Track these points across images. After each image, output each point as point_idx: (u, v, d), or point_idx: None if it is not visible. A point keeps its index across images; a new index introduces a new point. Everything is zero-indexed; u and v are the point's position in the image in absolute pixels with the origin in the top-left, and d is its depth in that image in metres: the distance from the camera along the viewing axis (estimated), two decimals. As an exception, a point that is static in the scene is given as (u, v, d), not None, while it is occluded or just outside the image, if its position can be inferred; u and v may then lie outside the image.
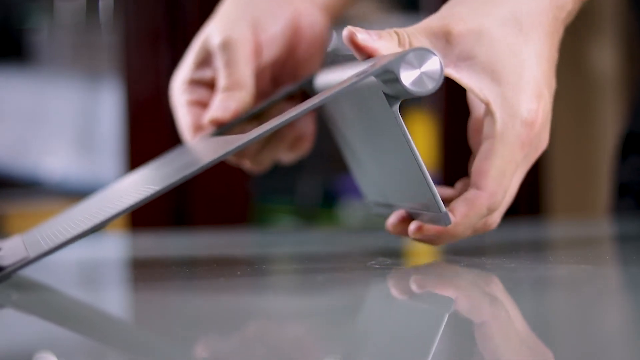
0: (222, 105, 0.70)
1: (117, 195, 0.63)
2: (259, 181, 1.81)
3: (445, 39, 0.59)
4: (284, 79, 0.76)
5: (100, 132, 1.98)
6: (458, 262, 0.66)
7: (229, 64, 0.71)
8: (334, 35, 0.83)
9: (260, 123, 0.60)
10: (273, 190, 1.96)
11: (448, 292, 0.57)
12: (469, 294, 0.57)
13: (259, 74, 0.73)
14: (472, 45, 0.59)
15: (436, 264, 0.70)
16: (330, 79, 0.67)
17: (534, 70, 0.59)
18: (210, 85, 0.74)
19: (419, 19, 0.62)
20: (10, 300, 0.55)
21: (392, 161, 0.60)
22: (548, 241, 0.92)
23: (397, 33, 0.59)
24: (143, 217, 1.55)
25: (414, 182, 0.58)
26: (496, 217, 0.62)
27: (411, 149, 0.56)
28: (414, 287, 0.59)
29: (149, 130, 1.59)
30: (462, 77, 0.59)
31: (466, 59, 0.59)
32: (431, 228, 0.60)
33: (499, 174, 0.59)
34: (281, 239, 1.03)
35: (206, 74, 0.73)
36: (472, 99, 0.64)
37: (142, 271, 0.71)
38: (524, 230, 0.98)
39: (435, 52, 0.56)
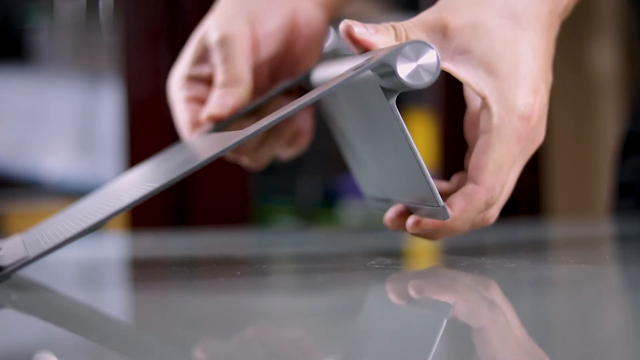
0: (220, 102, 0.70)
1: (116, 194, 0.63)
2: (259, 181, 1.81)
3: (442, 33, 0.59)
4: (282, 74, 0.76)
5: (100, 132, 1.98)
6: (458, 262, 0.66)
7: (227, 59, 0.71)
8: (334, 34, 0.83)
9: (258, 119, 0.60)
10: (273, 190, 1.96)
11: (448, 293, 0.57)
12: (468, 294, 0.57)
13: (256, 70, 0.73)
14: (468, 39, 0.59)
15: (436, 264, 0.70)
16: (327, 73, 0.67)
17: (531, 64, 0.59)
18: (208, 81, 0.74)
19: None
20: (10, 300, 0.55)
21: (390, 155, 0.60)
22: (548, 241, 0.92)
23: (394, 27, 0.59)
24: (143, 216, 1.55)
25: (412, 176, 0.58)
26: (494, 212, 0.62)
27: (409, 143, 0.56)
28: (413, 287, 0.59)
29: (149, 130, 1.59)
30: (459, 70, 0.59)
31: (463, 53, 0.59)
32: (429, 222, 0.60)
33: (497, 168, 0.59)
34: (281, 239, 1.03)
35: (204, 70, 0.73)
36: (468, 92, 0.64)
37: (142, 271, 0.71)
38: (524, 230, 0.98)
39: (431, 45, 0.56)
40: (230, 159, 0.75)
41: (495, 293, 0.57)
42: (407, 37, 0.59)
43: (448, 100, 1.69)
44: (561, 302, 0.53)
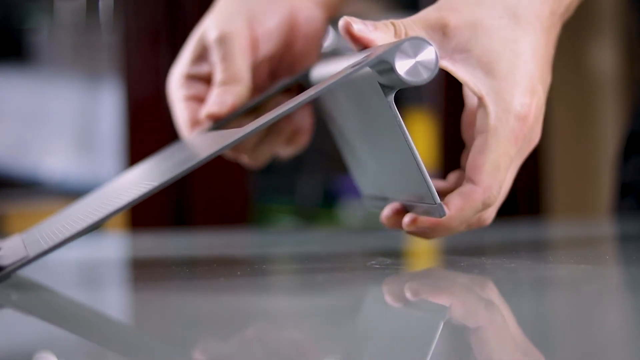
0: (219, 100, 0.70)
1: (116, 192, 0.63)
2: (259, 181, 1.81)
3: (442, 31, 0.59)
4: (281, 73, 0.76)
5: (100, 132, 1.98)
6: (458, 262, 0.66)
7: (226, 58, 0.71)
8: (333, 33, 0.83)
9: (257, 117, 0.60)
10: (273, 190, 1.96)
11: (447, 293, 0.57)
12: (468, 294, 0.57)
13: (256, 69, 0.73)
14: (468, 38, 0.59)
15: (436, 264, 0.70)
16: (326, 71, 0.67)
17: (529, 65, 0.59)
18: (207, 80, 0.74)
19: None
20: (10, 300, 0.55)
21: (387, 153, 0.60)
22: (548, 241, 0.92)
23: (393, 24, 0.59)
24: (143, 216, 1.55)
25: (409, 173, 0.58)
26: (491, 213, 0.62)
27: (406, 140, 0.56)
28: (413, 287, 0.59)
29: (149, 130, 1.59)
30: (457, 69, 0.59)
31: (462, 52, 0.59)
32: (425, 220, 0.60)
33: (494, 168, 0.59)
34: (281, 239, 1.03)
35: (203, 68, 0.73)
36: (467, 91, 0.64)
37: (142, 271, 0.71)
38: (524, 230, 0.98)
39: (430, 42, 0.56)
40: (229, 157, 0.75)
41: (495, 293, 0.57)
42: (406, 34, 0.59)
43: (448, 100, 1.69)
44: (561, 302, 0.53)
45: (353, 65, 0.56)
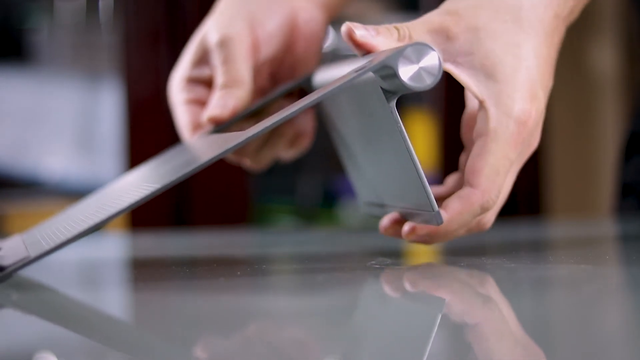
0: (220, 103, 0.70)
1: (117, 194, 0.63)
2: (259, 181, 1.81)
3: (446, 35, 0.59)
4: (282, 75, 0.76)
5: (100, 132, 1.98)
6: (458, 262, 0.66)
7: (227, 61, 0.71)
8: (334, 34, 0.83)
9: (259, 121, 0.60)
10: (273, 190, 1.96)
11: (448, 293, 0.57)
12: (468, 294, 0.57)
13: (257, 71, 0.73)
14: (471, 41, 0.59)
15: (436, 264, 0.70)
16: (329, 76, 0.67)
17: (532, 70, 0.59)
18: (208, 83, 0.74)
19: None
20: (11, 300, 0.55)
21: (387, 159, 0.60)
22: (548, 241, 0.92)
23: (396, 28, 0.59)
24: (143, 217, 1.55)
25: (407, 179, 0.58)
26: (490, 217, 0.62)
27: (407, 146, 0.56)
28: (413, 287, 0.59)
29: (149, 130, 1.59)
30: (460, 72, 0.59)
31: (465, 55, 0.59)
32: (424, 227, 0.60)
33: (493, 172, 0.59)
34: (281, 239, 1.03)
35: (204, 72, 0.73)
36: (468, 94, 0.64)
37: (142, 271, 0.71)
38: (524, 230, 0.98)
39: (433, 47, 0.56)
40: (232, 160, 0.75)
41: (495, 293, 0.57)
42: (410, 37, 0.59)
43: (448, 100, 1.69)
44: (561, 302, 0.53)
45: (356, 70, 0.56)
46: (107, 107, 1.94)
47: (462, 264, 0.65)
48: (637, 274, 0.62)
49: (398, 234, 0.62)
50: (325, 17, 0.76)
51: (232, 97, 0.70)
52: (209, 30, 0.73)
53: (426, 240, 0.61)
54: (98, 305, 0.57)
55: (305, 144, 0.76)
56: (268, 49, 0.73)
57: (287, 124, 0.74)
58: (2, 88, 2.06)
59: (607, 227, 1.02)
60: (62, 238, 0.56)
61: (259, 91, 0.75)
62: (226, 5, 0.74)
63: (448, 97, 1.69)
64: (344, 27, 0.59)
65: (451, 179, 0.65)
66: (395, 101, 0.56)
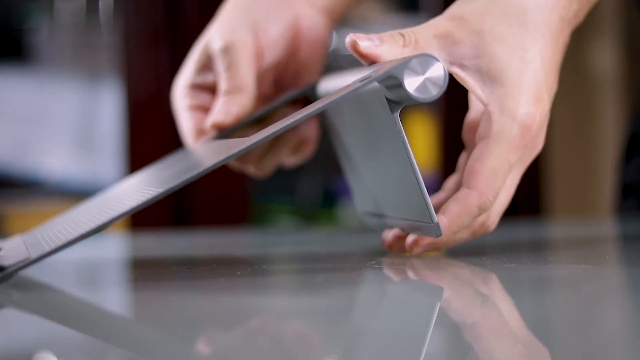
0: (224, 109, 0.70)
1: (119, 197, 0.63)
2: (259, 181, 1.81)
3: (452, 39, 0.59)
4: (286, 82, 0.76)
5: (100, 132, 1.98)
6: (458, 262, 0.66)
7: (230, 67, 0.71)
8: (335, 35, 0.83)
9: (263, 127, 0.60)
10: (273, 190, 1.96)
11: (448, 293, 0.57)
12: (468, 294, 0.57)
13: (260, 78, 0.73)
14: (477, 45, 0.59)
15: (436, 264, 0.70)
16: (333, 85, 0.67)
17: (537, 73, 0.59)
18: (212, 89, 0.74)
19: (418, 19, 0.62)
20: (11, 300, 0.55)
21: (388, 168, 0.60)
22: (548, 241, 0.92)
23: (402, 34, 0.59)
24: (143, 217, 1.55)
25: (408, 190, 0.58)
26: (494, 218, 0.62)
27: (408, 157, 0.57)
28: (413, 287, 0.59)
29: (149, 131, 1.59)
30: (467, 76, 0.59)
31: (472, 58, 0.59)
32: (426, 237, 0.60)
33: (492, 175, 0.59)
34: (281, 239, 1.03)
35: (208, 78, 0.73)
36: (472, 96, 0.64)
37: (142, 271, 0.71)
38: (524, 230, 0.98)
39: (438, 59, 0.56)
40: (235, 167, 0.75)
41: (495, 293, 0.57)
42: (416, 42, 0.59)
43: (448, 101, 1.69)
44: (561, 302, 0.53)
45: (361, 80, 0.56)
46: (107, 107, 1.94)
47: (462, 264, 0.65)
48: (637, 274, 0.62)
49: (403, 249, 0.63)
50: (328, 23, 0.77)
51: (236, 104, 0.70)
52: (213, 37, 0.73)
53: (430, 249, 0.61)
54: (98, 305, 0.57)
55: (308, 151, 0.76)
56: (271, 55, 0.73)
57: (291, 131, 0.74)
58: (2, 88, 2.06)
59: (607, 227, 1.02)
60: (63, 240, 0.56)
61: (262, 98, 0.75)
62: (229, 12, 0.74)
63: (448, 99, 1.69)
64: (348, 39, 0.59)
65: (450, 183, 0.65)
66: (399, 112, 0.57)
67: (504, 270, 0.62)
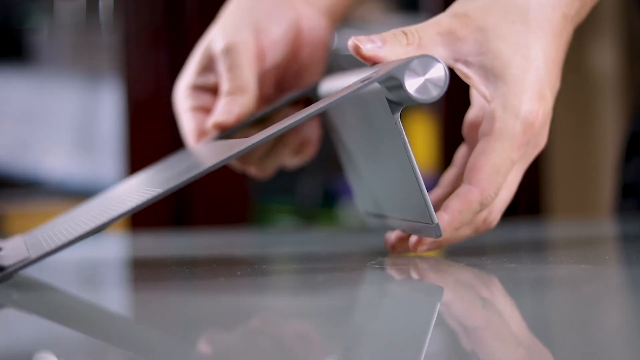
0: (225, 109, 0.70)
1: (120, 198, 0.63)
2: (259, 181, 1.81)
3: (456, 36, 0.59)
4: (288, 83, 0.76)
5: (100, 132, 1.98)
6: (458, 261, 0.66)
7: (232, 68, 0.71)
8: (335, 36, 0.83)
9: (264, 128, 0.60)
10: (273, 190, 1.96)
11: (447, 293, 0.57)
12: (468, 294, 0.57)
13: (262, 79, 0.73)
14: (481, 42, 0.59)
15: (436, 264, 0.70)
16: (334, 85, 0.67)
17: (540, 71, 0.59)
18: (213, 90, 0.74)
19: (419, 19, 0.62)
20: (11, 299, 0.55)
21: (388, 169, 0.60)
22: (548, 241, 0.92)
23: (404, 33, 0.59)
24: (143, 217, 1.55)
25: (408, 191, 0.58)
26: (496, 215, 0.62)
27: (409, 158, 0.57)
28: (413, 287, 0.59)
29: (149, 130, 1.59)
30: (471, 72, 0.59)
31: (476, 55, 0.59)
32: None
33: (494, 171, 0.59)
34: (281, 239, 1.03)
35: (209, 79, 0.74)
36: (475, 93, 0.64)
37: (142, 271, 0.71)
38: (524, 230, 0.98)
39: (439, 60, 0.56)
40: (237, 168, 0.75)
41: (495, 293, 0.57)
42: (420, 40, 0.59)
43: (448, 101, 1.69)
44: (561, 302, 0.53)
45: (362, 81, 0.56)
46: (107, 107, 1.94)
47: (462, 264, 0.65)
48: (637, 274, 0.62)
49: (407, 250, 0.63)
50: (329, 23, 0.77)
51: (237, 104, 0.70)
52: (214, 38, 0.73)
53: (434, 247, 0.61)
54: (98, 305, 0.57)
55: (310, 152, 0.76)
56: (273, 56, 0.73)
57: (293, 132, 0.74)
58: (2, 88, 2.06)
59: (607, 227, 1.02)
60: (63, 240, 0.56)
61: (264, 99, 0.75)
62: (231, 13, 0.74)
63: (448, 99, 1.69)
64: (350, 42, 0.60)
65: (447, 178, 0.65)
66: (399, 112, 0.57)
67: (504, 270, 0.62)
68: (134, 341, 0.46)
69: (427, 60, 0.56)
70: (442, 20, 0.60)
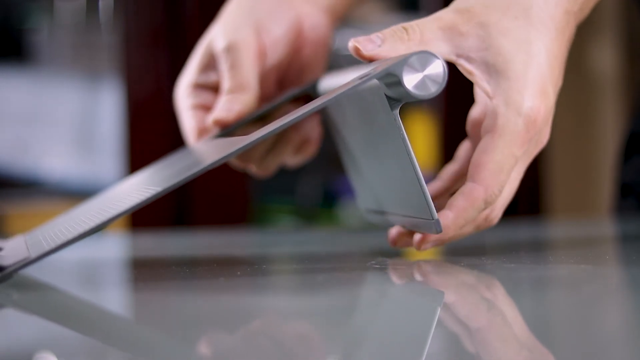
0: (226, 107, 0.70)
1: (119, 196, 0.63)
2: (259, 181, 1.81)
3: (458, 32, 0.59)
4: (289, 81, 0.76)
5: (100, 132, 1.98)
6: (458, 261, 0.66)
7: (233, 66, 0.71)
8: (335, 36, 0.83)
9: (264, 126, 0.60)
10: (273, 190, 1.96)
11: (448, 293, 0.57)
12: (468, 294, 0.57)
13: (263, 77, 0.73)
14: (483, 38, 0.59)
15: (436, 263, 0.70)
16: (334, 82, 0.67)
17: (542, 67, 0.59)
18: (214, 89, 0.74)
19: (418, 19, 0.62)
20: (11, 299, 0.55)
21: (389, 166, 0.60)
22: (548, 241, 0.92)
23: (405, 28, 0.59)
24: (143, 217, 1.55)
25: (408, 187, 0.58)
26: (498, 212, 0.62)
27: (408, 154, 0.57)
28: (413, 287, 0.59)
29: (149, 130, 1.59)
30: (473, 68, 0.59)
31: (478, 51, 0.59)
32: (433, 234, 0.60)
33: (497, 168, 0.59)
34: (281, 239, 1.03)
35: (210, 77, 0.74)
36: (479, 90, 0.64)
37: (142, 271, 0.71)
38: (524, 230, 0.98)
39: (438, 56, 0.56)
40: (237, 166, 0.75)
41: (495, 293, 0.57)
42: (421, 35, 0.59)
43: (448, 100, 1.69)
44: (561, 302, 0.53)
45: (361, 77, 0.56)
46: (107, 107, 1.94)
47: (462, 264, 0.65)
48: (637, 274, 0.62)
49: (407, 245, 0.63)
50: (330, 22, 0.77)
51: (238, 102, 0.70)
52: (216, 37, 0.73)
53: (438, 243, 0.61)
54: (98, 305, 0.57)
55: (311, 150, 0.76)
56: (274, 55, 0.73)
57: (293, 130, 0.74)
58: (2, 88, 2.07)
59: (607, 227, 1.02)
60: (63, 239, 0.56)
61: (265, 97, 0.75)
62: (232, 12, 0.74)
63: (448, 98, 1.69)
64: (350, 45, 0.60)
65: (446, 172, 0.65)
66: (398, 109, 0.57)
67: (504, 270, 0.62)
68: (134, 341, 0.46)
69: (426, 57, 0.56)
70: (444, 15, 0.60)
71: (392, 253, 0.72)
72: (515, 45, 0.59)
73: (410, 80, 0.55)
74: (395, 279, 0.62)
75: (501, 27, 0.59)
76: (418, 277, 0.63)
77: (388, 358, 0.41)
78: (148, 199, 0.56)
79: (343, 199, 1.98)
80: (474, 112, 0.64)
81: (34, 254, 0.56)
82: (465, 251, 0.69)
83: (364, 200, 0.70)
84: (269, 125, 0.58)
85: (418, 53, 0.56)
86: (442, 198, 0.64)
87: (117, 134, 1.69)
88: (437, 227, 0.58)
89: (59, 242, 0.56)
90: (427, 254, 0.71)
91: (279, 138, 0.74)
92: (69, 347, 0.45)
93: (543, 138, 0.61)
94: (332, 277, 0.61)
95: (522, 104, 0.58)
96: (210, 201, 1.61)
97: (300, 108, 0.58)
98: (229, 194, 1.61)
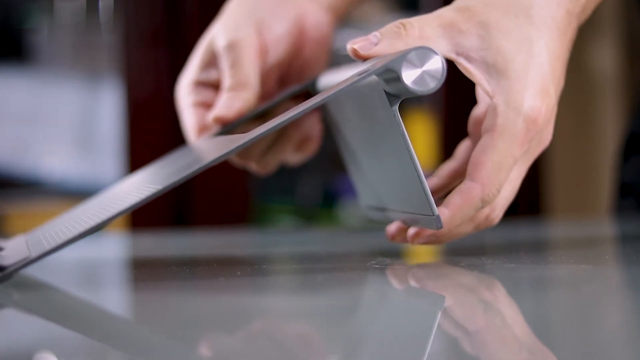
0: (227, 104, 0.70)
1: (119, 195, 0.63)
2: (259, 181, 1.81)
3: (459, 29, 0.59)
4: (291, 79, 0.76)
5: (100, 132, 1.98)
6: (458, 261, 0.66)
7: (235, 64, 0.71)
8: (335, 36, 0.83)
9: (264, 123, 0.60)
10: (273, 190, 1.96)
11: (448, 293, 0.57)
12: (468, 294, 0.57)
13: (265, 75, 0.73)
14: (483, 37, 0.59)
15: (436, 264, 0.70)
16: (333, 79, 0.67)
17: (543, 67, 0.59)
18: (215, 86, 0.74)
19: (418, 18, 0.62)
20: (12, 299, 0.55)
21: (388, 162, 0.60)
22: (548, 241, 0.92)
23: (403, 24, 0.59)
24: (143, 217, 1.55)
25: (408, 184, 0.58)
26: (498, 212, 0.62)
27: (408, 150, 0.57)
28: (413, 287, 0.59)
29: (149, 130, 1.59)
30: (473, 68, 0.59)
31: (478, 50, 0.59)
32: (428, 229, 0.60)
33: (496, 168, 0.59)
34: (281, 239, 1.03)
35: (212, 75, 0.74)
36: (480, 89, 0.64)
37: (142, 271, 0.71)
38: (524, 230, 0.98)
39: (436, 51, 0.56)
40: (237, 164, 0.75)
41: (495, 294, 0.57)
42: (421, 31, 0.59)
43: (448, 100, 1.69)
44: (561, 302, 0.53)
45: (360, 73, 0.56)
46: (107, 107, 1.94)
47: (462, 264, 0.65)
48: (637, 274, 0.62)
49: (406, 240, 0.63)
50: (332, 20, 0.77)
51: (239, 99, 0.70)
52: (217, 34, 0.73)
53: (432, 241, 0.61)
54: (99, 304, 0.57)
55: (311, 148, 0.76)
56: (276, 52, 0.73)
57: (294, 128, 0.74)
58: (2, 88, 2.07)
59: (606, 227, 1.02)
60: (63, 238, 0.56)
61: (267, 95, 0.75)
62: (234, 10, 0.74)
63: (448, 98, 1.69)
64: (348, 47, 0.60)
65: (444, 170, 0.65)
66: (398, 105, 0.56)
67: (504, 270, 0.62)
68: (134, 341, 0.46)
69: (425, 52, 0.56)
70: (444, 13, 0.60)
71: (392, 253, 0.72)
72: (515, 45, 0.59)
73: (409, 76, 0.55)
74: (395, 279, 0.62)
75: (502, 27, 0.59)
76: (418, 277, 0.63)
77: (388, 358, 0.41)
78: (148, 197, 0.56)
79: (343, 199, 1.98)
80: (476, 112, 0.64)
81: (34, 253, 0.56)
82: (465, 251, 0.69)
83: (365, 197, 0.70)
84: (268, 122, 0.58)
85: (417, 49, 0.56)
86: (439, 196, 0.64)
87: (117, 134, 1.69)
88: (437, 223, 0.58)
89: (59, 241, 0.56)
90: (427, 254, 0.71)
91: (280, 135, 0.74)
92: (69, 347, 0.45)
93: (545, 138, 0.61)
94: (332, 277, 0.61)
95: (522, 103, 0.58)
96: (210, 201, 1.61)
97: (299, 105, 0.58)
98: (228, 193, 1.61)
